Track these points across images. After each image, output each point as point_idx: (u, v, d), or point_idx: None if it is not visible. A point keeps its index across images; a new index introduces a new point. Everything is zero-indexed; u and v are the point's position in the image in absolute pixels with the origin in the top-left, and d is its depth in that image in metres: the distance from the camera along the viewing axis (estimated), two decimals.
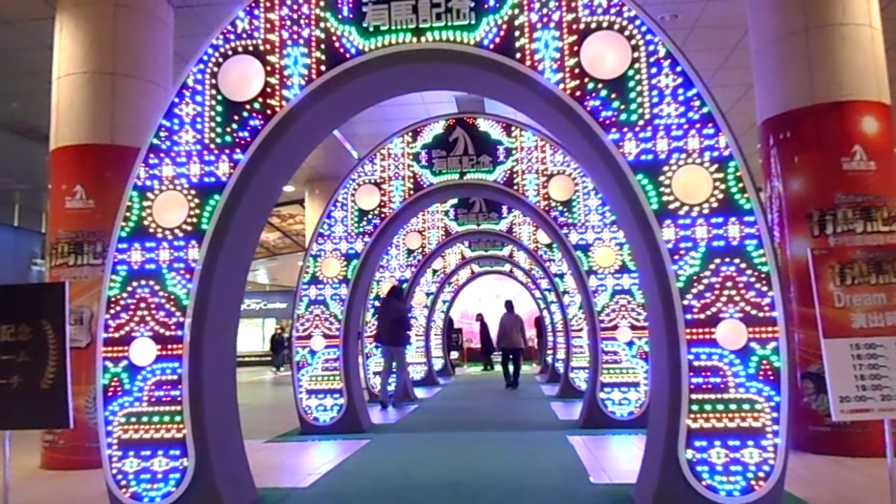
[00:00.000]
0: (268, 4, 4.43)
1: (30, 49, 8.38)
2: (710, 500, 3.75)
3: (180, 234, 4.31)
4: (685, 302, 3.89)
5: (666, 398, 3.94)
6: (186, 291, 4.24)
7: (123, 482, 4.13)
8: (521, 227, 11.25)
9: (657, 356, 4.29)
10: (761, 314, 3.82)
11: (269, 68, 4.38)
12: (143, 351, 4.22)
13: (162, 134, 4.42)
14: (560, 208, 8.28)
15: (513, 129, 8.46)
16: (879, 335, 3.84)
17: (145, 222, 4.34)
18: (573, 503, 4.53)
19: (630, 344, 7.76)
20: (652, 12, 4.28)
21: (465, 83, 5.03)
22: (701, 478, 3.78)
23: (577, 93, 4.10)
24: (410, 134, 8.57)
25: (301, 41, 4.37)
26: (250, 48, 4.42)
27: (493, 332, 15.92)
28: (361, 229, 8.28)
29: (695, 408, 3.84)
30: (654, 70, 4.05)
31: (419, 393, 11.27)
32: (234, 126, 4.36)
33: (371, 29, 4.30)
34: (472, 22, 4.21)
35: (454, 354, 21.04)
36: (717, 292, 3.87)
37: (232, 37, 4.43)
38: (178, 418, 4.14)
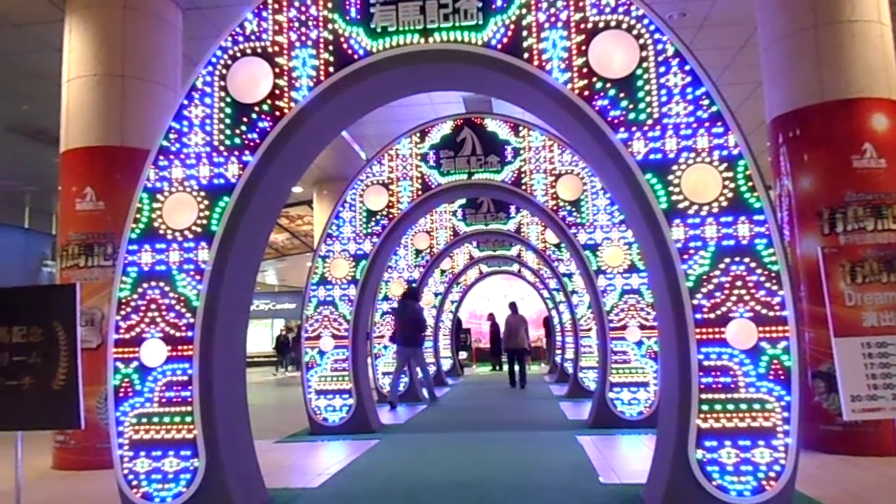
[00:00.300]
0: (276, 6, 4.44)
1: (39, 52, 8.43)
2: (721, 500, 3.73)
3: (190, 236, 4.32)
4: (695, 301, 3.87)
5: (676, 398, 3.92)
6: (196, 293, 4.26)
7: (135, 482, 4.15)
8: (530, 227, 11.24)
9: (667, 356, 4.28)
10: (771, 313, 3.80)
11: (277, 70, 4.39)
12: (153, 352, 4.24)
13: (171, 136, 4.44)
14: (568, 208, 8.27)
15: (521, 128, 8.46)
16: (891, 334, 3.82)
17: (155, 224, 4.36)
18: (583, 503, 4.53)
19: (639, 344, 7.74)
20: (660, 11, 4.27)
21: (473, 83, 5.03)
22: (711, 478, 3.77)
23: (586, 92, 4.09)
24: (418, 134, 8.57)
25: (309, 43, 4.38)
26: (259, 50, 4.43)
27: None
28: (370, 230, 8.29)
29: (705, 407, 3.83)
30: (662, 69, 4.04)
31: (426, 393, 11.29)
32: (243, 128, 4.38)
33: (379, 30, 4.31)
34: (480, 22, 4.21)
35: (463, 354, 21.04)
36: (726, 292, 3.85)
37: (240, 39, 4.45)
38: (188, 419, 4.16)
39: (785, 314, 3.79)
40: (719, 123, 3.95)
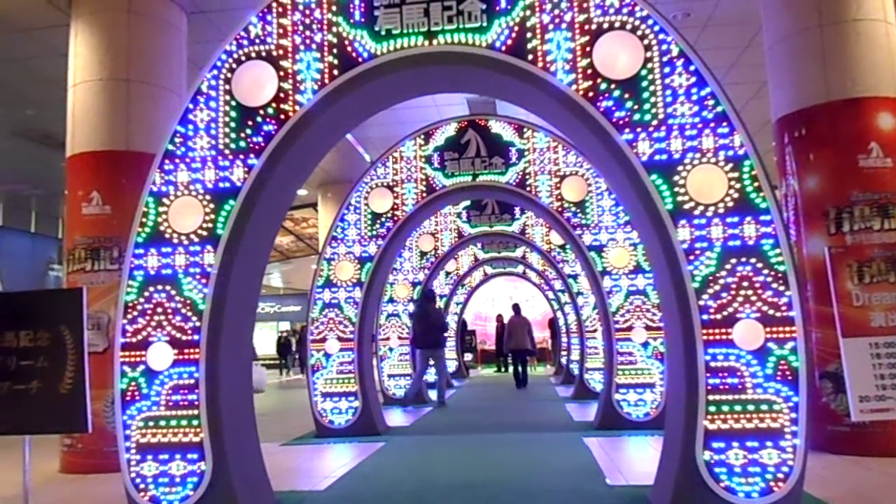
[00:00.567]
0: (280, 10, 4.45)
1: (45, 57, 8.46)
2: (729, 501, 3.72)
3: (196, 240, 4.33)
4: (701, 302, 3.86)
5: (683, 399, 3.92)
6: (202, 296, 4.27)
7: (142, 486, 4.16)
8: (534, 229, 11.23)
9: (673, 357, 4.27)
10: (778, 314, 3.79)
11: (282, 73, 4.40)
12: (160, 355, 4.25)
13: (177, 140, 4.45)
14: (573, 209, 8.26)
15: (525, 130, 8.45)
16: None
17: (161, 228, 4.37)
18: None
19: (645, 345, 7.72)
20: (664, 10, 4.26)
21: (478, 85, 5.03)
22: (719, 479, 3.76)
23: (590, 93, 4.09)
24: (422, 136, 8.57)
25: (314, 46, 4.39)
26: (263, 53, 4.44)
27: None
28: (374, 232, 8.30)
29: (712, 409, 3.81)
30: (667, 69, 4.03)
31: (434, 395, 11.28)
32: (248, 131, 4.39)
33: (383, 33, 4.31)
34: (484, 24, 4.21)
35: (468, 356, 21.04)
36: (733, 292, 3.84)
37: (245, 42, 4.46)
38: (195, 422, 4.16)
39: (792, 314, 3.77)
40: (725, 123, 3.94)
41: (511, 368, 14.84)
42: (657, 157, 3.99)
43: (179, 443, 4.16)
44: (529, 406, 10.98)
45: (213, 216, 4.34)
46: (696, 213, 3.92)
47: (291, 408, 11.56)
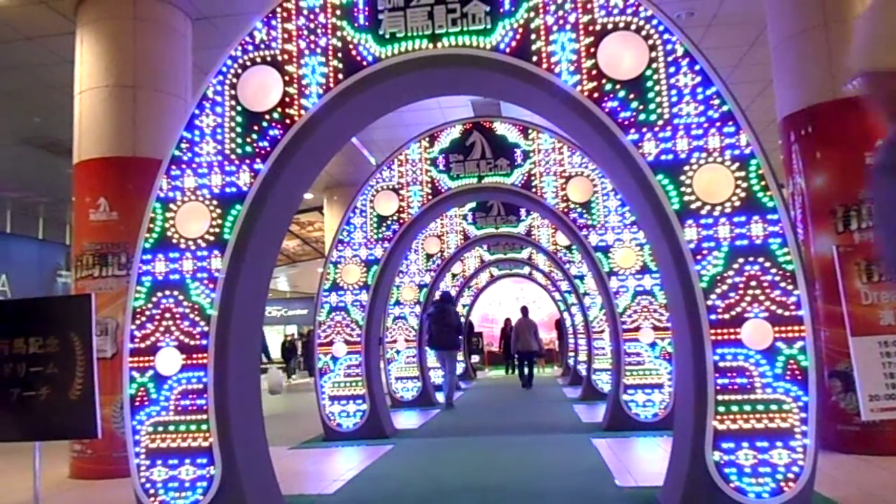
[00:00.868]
0: (285, 15, 4.46)
1: (51, 64, 8.51)
2: (739, 502, 3.70)
3: (203, 245, 4.34)
4: (709, 302, 3.85)
5: (691, 400, 3.90)
6: (210, 301, 4.28)
7: (152, 491, 4.16)
8: (540, 230, 11.23)
9: (681, 358, 4.25)
10: (787, 313, 3.78)
11: (287, 78, 4.41)
12: (168, 360, 4.26)
13: (183, 145, 4.46)
14: (579, 210, 8.25)
15: (530, 131, 8.45)
16: None
17: (168, 233, 4.39)
18: None
19: (653, 345, 7.70)
20: (667, 10, 4.26)
21: (482, 87, 5.03)
22: (729, 480, 3.74)
23: (595, 94, 4.08)
24: (427, 139, 8.59)
25: (318, 50, 4.40)
26: (268, 58, 4.45)
27: None
28: (380, 235, 8.30)
29: (721, 409, 3.80)
30: (672, 69, 4.02)
31: (441, 397, 11.28)
32: (254, 136, 4.40)
33: (387, 36, 4.32)
34: (488, 26, 4.21)
35: (475, 358, 21.04)
36: (741, 292, 3.83)
37: (250, 48, 4.47)
38: (204, 427, 4.17)
39: (800, 314, 3.76)
40: (731, 123, 3.93)
41: (518, 370, 15.12)
42: (663, 157, 3.98)
43: (189, 447, 4.17)
44: (537, 407, 10.97)
45: (219, 221, 4.35)
46: (703, 212, 3.91)
47: (299, 411, 11.57)
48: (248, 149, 4.39)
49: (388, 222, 8.34)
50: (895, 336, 3.81)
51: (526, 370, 14.64)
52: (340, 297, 8.14)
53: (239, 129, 4.42)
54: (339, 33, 4.38)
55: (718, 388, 3.81)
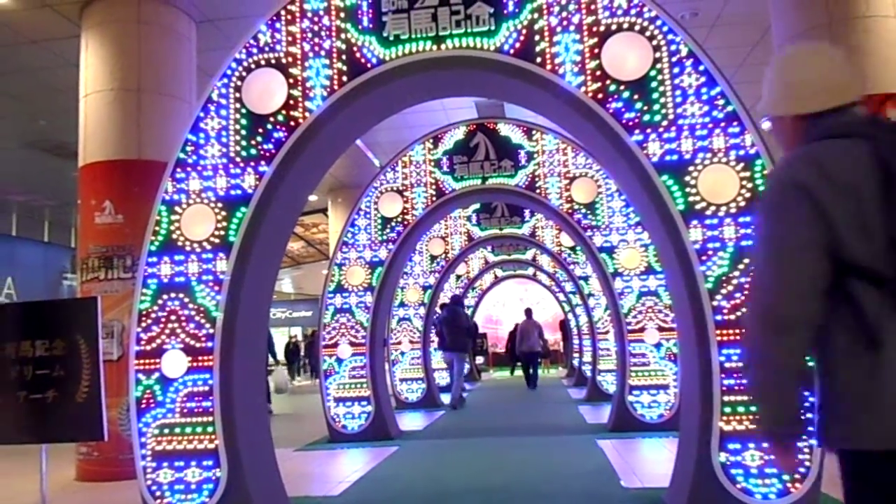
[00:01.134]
0: (289, 17, 4.47)
1: (56, 68, 8.53)
2: (745, 503, 3.70)
3: (208, 247, 4.35)
4: (715, 303, 3.84)
5: (697, 401, 3.89)
6: (215, 303, 4.28)
7: (158, 493, 4.17)
8: (544, 231, 11.22)
9: (687, 358, 4.25)
10: None
11: (291, 80, 4.42)
12: (174, 363, 4.26)
13: (188, 148, 4.47)
14: (583, 211, 8.24)
15: (534, 132, 8.45)
16: None
17: (174, 236, 4.40)
18: None
19: (658, 346, 7.68)
20: (671, 10, 4.25)
21: (486, 89, 5.04)
22: (735, 481, 3.73)
23: (600, 95, 4.08)
24: (431, 140, 8.59)
25: (322, 53, 4.41)
26: (273, 61, 4.46)
27: None
28: (385, 237, 8.31)
29: (727, 410, 3.79)
30: (676, 70, 4.02)
31: (446, 399, 11.28)
32: (259, 139, 4.41)
33: (391, 38, 4.32)
34: (492, 28, 4.21)
35: (479, 359, 21.03)
36: (747, 292, 3.82)
37: (254, 50, 4.48)
38: (209, 429, 4.18)
39: None
40: (735, 123, 3.93)
41: (523, 371, 15.23)
42: (668, 158, 3.98)
43: (195, 450, 4.18)
44: (542, 408, 10.96)
45: (224, 223, 4.36)
46: (708, 213, 3.90)
47: (303, 413, 11.58)
48: (253, 151, 4.40)
49: (393, 224, 8.35)
50: None
51: (530, 371, 14.78)
52: (345, 298, 8.14)
53: (243, 132, 4.43)
54: (343, 35, 4.39)
55: (724, 388, 3.80)
